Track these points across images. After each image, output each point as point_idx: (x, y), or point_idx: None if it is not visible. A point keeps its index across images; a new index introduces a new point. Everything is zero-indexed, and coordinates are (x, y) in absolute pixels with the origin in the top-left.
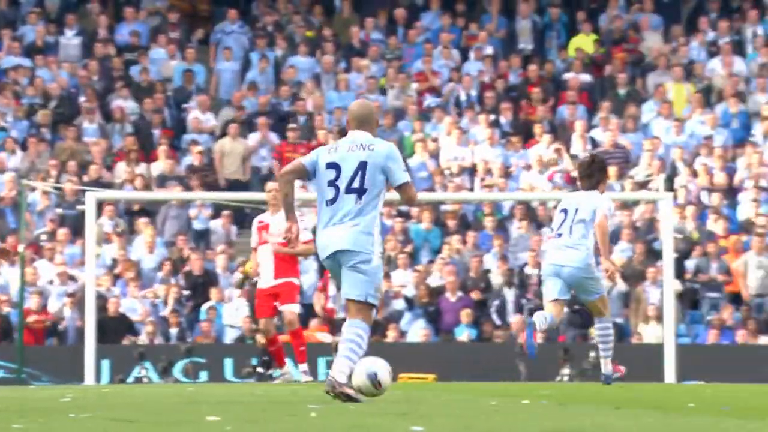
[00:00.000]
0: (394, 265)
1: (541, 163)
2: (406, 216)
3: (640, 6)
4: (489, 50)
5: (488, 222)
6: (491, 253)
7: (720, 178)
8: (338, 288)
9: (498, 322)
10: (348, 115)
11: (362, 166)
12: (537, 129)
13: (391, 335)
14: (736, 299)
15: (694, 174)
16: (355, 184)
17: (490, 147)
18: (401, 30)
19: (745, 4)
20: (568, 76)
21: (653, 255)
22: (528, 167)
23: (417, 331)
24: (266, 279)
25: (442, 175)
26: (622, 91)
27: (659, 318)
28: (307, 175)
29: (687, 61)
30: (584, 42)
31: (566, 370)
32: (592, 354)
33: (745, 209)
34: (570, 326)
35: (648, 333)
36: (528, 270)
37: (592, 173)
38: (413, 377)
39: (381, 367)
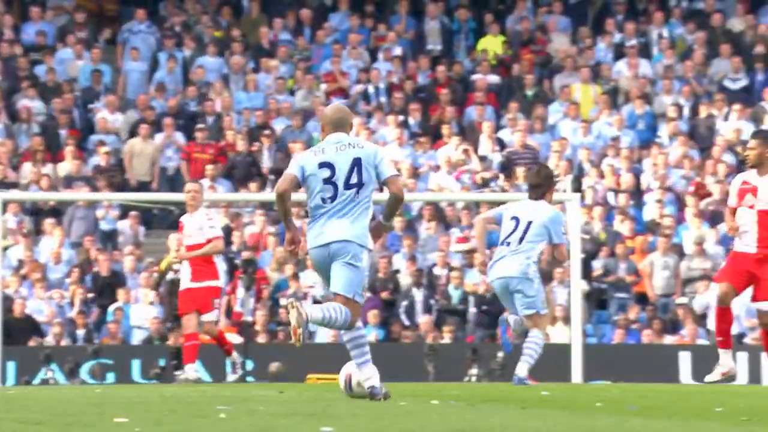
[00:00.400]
0: (304, 265)
1: (450, 164)
2: None
3: (548, 8)
4: (398, 51)
5: (397, 222)
6: (400, 254)
7: (626, 179)
8: (325, 279)
9: (407, 322)
10: (322, 120)
11: (357, 162)
12: (445, 130)
13: None
14: (642, 299)
15: (601, 175)
16: (353, 180)
17: (398, 148)
18: (310, 31)
19: (651, 7)
20: (476, 77)
21: None
22: (437, 168)
23: (326, 331)
24: (185, 281)
25: None
26: (529, 93)
27: (566, 318)
28: (299, 184)
29: (594, 63)
30: (492, 43)
31: (474, 371)
32: (500, 354)
33: (651, 210)
34: (478, 327)
35: (555, 333)
36: (437, 270)
37: (539, 183)
38: (322, 378)
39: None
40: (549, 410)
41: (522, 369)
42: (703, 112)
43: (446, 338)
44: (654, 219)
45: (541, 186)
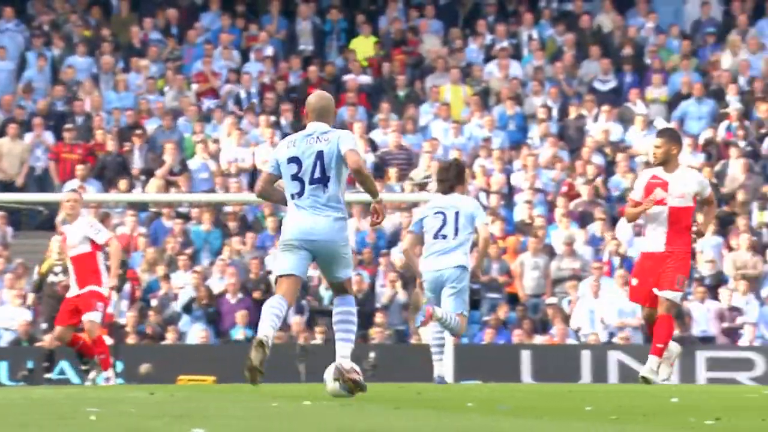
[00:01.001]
0: (175, 266)
1: None
2: (185, 217)
3: (419, 9)
4: (269, 51)
5: (269, 223)
6: (272, 255)
7: (498, 179)
8: (291, 264)
9: None
10: (306, 107)
11: (319, 156)
12: None
13: (170, 337)
14: (513, 299)
15: (473, 176)
16: (317, 175)
17: (270, 148)
18: (180, 30)
19: (521, 8)
20: (347, 77)
21: None
22: None
23: (196, 332)
24: (72, 288)
25: (223, 177)
26: (401, 93)
27: None
28: (276, 178)
29: (465, 64)
30: (364, 44)
31: None
32: (372, 354)
33: (521, 211)
34: None
35: (427, 334)
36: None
37: (447, 178)
38: (192, 379)
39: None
40: (422, 410)
41: (439, 368)
42: (573, 113)
43: (318, 339)
44: (524, 219)
45: (449, 180)
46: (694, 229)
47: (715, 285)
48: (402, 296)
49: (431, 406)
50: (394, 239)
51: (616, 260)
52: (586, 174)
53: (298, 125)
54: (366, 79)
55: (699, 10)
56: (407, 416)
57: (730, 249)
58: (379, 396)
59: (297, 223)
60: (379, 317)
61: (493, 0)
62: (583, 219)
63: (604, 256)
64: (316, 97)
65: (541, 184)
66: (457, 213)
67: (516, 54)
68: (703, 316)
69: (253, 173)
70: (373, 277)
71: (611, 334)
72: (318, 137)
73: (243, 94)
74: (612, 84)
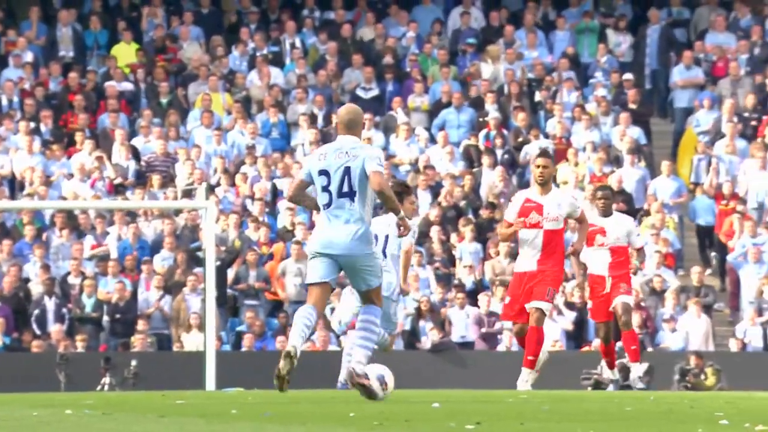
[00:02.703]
0: None
1: (83, 172)
2: None
3: (180, 17)
4: (29, 57)
5: (28, 231)
6: (31, 262)
7: (261, 186)
8: (324, 272)
9: (38, 331)
10: (336, 119)
11: (347, 172)
12: (78, 137)
13: None
14: (277, 306)
15: (233, 183)
16: (345, 189)
17: (29, 156)
18: None
19: (284, 16)
20: (109, 84)
21: (194, 262)
22: (70, 176)
23: None
24: None
25: None
26: (163, 100)
27: (200, 326)
28: (307, 185)
29: (227, 71)
30: (125, 51)
31: (107, 379)
32: (134, 362)
33: (284, 218)
34: (112, 335)
35: (189, 341)
36: (71, 279)
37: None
38: None
39: (387, 371)
40: (187, 418)
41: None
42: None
43: (79, 347)
44: (286, 226)
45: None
46: (570, 249)
47: (474, 291)
48: (165, 303)
49: (196, 413)
50: (155, 246)
51: None
52: None
53: (58, 132)
54: (128, 86)
55: (459, 20)
56: (173, 424)
57: (489, 256)
58: (143, 405)
59: (323, 235)
60: (140, 324)
61: (256, 8)
62: None
63: None
64: (345, 110)
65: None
66: (387, 236)
67: (278, 61)
68: (462, 322)
69: (12, 180)
70: (136, 284)
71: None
72: (347, 152)
73: (4, 101)
74: (374, 92)
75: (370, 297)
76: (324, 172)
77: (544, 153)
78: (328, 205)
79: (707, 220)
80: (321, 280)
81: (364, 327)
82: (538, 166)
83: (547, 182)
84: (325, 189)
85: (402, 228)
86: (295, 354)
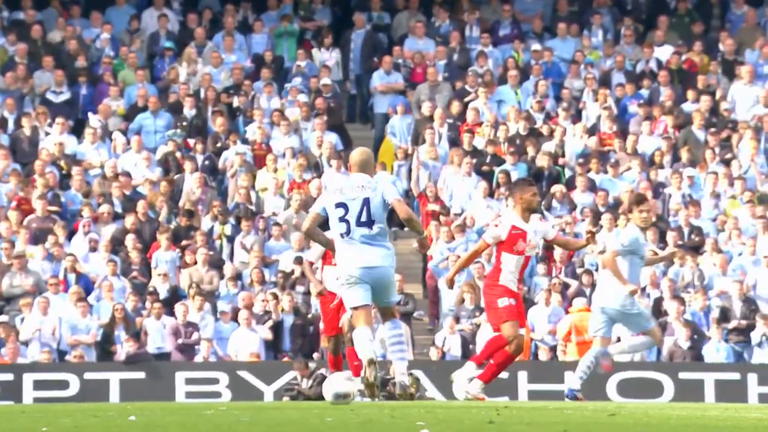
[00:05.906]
0: None
1: None
2: None
3: None
4: None
5: None
6: None
7: None
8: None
9: None
10: (350, 160)
11: (366, 203)
12: None
13: None
14: None
15: None
16: (363, 218)
17: None
18: None
19: None
20: None
21: None
22: None
23: None
24: None
25: None
26: None
27: None
28: (323, 219)
29: None
30: None
31: None
32: None
33: None
34: None
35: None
36: None
37: None
38: None
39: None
40: None
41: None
42: (26, 124)
43: None
44: None
45: None
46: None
47: (170, 300)
48: None
49: None
50: None
51: (72, 277)
52: (38, 188)
53: None
54: None
55: (156, 23)
56: None
57: (186, 264)
58: None
59: (355, 256)
60: None
61: None
62: (38, 236)
63: (60, 273)
64: (358, 153)
65: None
66: None
67: None
68: (159, 332)
69: None
70: None
71: (63, 353)
72: (364, 186)
73: None
74: (66, 96)
75: (392, 311)
76: (341, 204)
77: (532, 181)
78: (348, 232)
79: None
80: (365, 303)
81: (398, 341)
82: (534, 195)
83: (534, 210)
84: (343, 219)
85: (422, 247)
86: (377, 359)
